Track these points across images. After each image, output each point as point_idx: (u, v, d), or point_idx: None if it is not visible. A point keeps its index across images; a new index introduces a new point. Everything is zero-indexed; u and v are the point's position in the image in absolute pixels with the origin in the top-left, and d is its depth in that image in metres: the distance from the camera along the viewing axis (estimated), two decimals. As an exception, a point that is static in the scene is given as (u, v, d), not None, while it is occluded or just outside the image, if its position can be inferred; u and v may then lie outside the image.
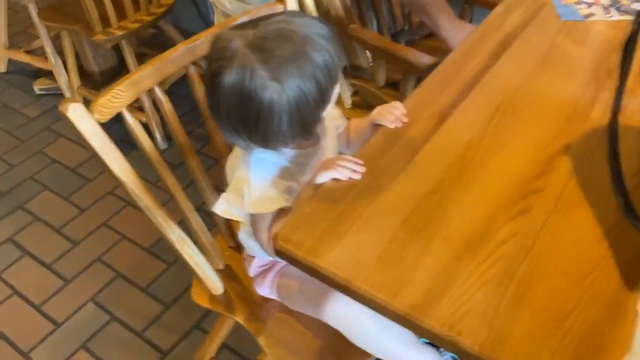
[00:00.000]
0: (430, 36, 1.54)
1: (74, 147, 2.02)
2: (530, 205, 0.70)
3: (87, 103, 0.78)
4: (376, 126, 0.85)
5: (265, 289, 0.98)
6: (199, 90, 0.95)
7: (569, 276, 0.63)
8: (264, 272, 0.98)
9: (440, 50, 1.34)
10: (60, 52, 2.10)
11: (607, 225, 0.67)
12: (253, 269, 0.99)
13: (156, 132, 1.97)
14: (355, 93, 1.47)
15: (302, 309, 0.95)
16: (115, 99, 0.81)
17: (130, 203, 0.86)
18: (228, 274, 1.06)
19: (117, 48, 1.96)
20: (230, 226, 1.08)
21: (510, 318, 0.59)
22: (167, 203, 0.92)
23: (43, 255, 1.66)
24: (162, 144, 1.99)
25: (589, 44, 1.00)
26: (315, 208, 0.72)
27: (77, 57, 2.09)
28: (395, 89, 1.38)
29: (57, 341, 1.44)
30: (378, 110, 0.86)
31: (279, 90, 0.69)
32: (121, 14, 1.83)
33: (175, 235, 0.91)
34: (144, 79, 0.86)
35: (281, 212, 0.79)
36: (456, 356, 0.99)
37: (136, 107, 2.01)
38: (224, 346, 1.36)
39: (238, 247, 1.07)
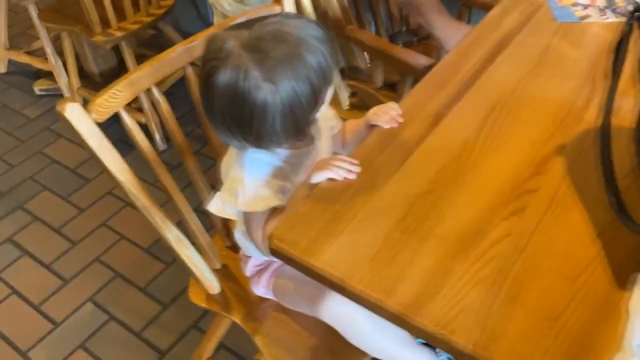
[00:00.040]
0: (428, 38, 1.55)
1: (74, 148, 2.03)
2: (524, 205, 0.71)
3: (87, 104, 0.79)
4: (372, 126, 0.85)
5: (261, 289, 0.99)
6: (197, 91, 0.96)
7: (562, 276, 0.63)
8: (259, 272, 0.98)
9: (436, 51, 1.35)
10: (60, 53, 2.11)
11: (600, 226, 0.68)
12: (249, 269, 0.99)
13: (155, 133, 1.97)
14: (353, 94, 1.48)
15: (298, 307, 0.96)
16: (113, 98, 0.82)
17: (129, 203, 0.86)
18: (225, 273, 1.07)
19: (117, 49, 1.97)
20: (227, 226, 1.09)
21: (503, 317, 0.60)
22: (166, 204, 0.92)
23: (42, 255, 1.67)
24: (162, 145, 1.99)
25: (584, 45, 1.00)
26: (310, 208, 0.72)
27: (77, 58, 2.10)
28: (393, 90, 1.39)
29: (55, 341, 1.45)
30: (374, 110, 0.86)
31: (272, 91, 0.70)
32: (121, 15, 1.84)
33: (173, 235, 0.92)
34: (142, 79, 0.86)
35: (275, 211, 0.79)
36: (452, 357, 0.99)
37: (135, 107, 2.01)
38: (221, 346, 1.36)
39: (235, 247, 1.07)
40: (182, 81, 0.97)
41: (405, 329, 0.62)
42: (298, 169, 0.83)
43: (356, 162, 0.76)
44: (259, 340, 0.97)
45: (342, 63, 1.46)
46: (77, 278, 1.60)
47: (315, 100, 0.74)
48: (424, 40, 1.58)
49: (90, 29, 1.83)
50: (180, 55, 0.92)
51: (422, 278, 0.63)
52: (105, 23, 1.82)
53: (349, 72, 1.47)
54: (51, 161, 2.00)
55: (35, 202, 1.84)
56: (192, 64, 0.94)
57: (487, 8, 1.15)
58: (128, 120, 0.86)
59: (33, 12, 2.06)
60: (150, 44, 2.31)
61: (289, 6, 1.03)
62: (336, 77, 1.41)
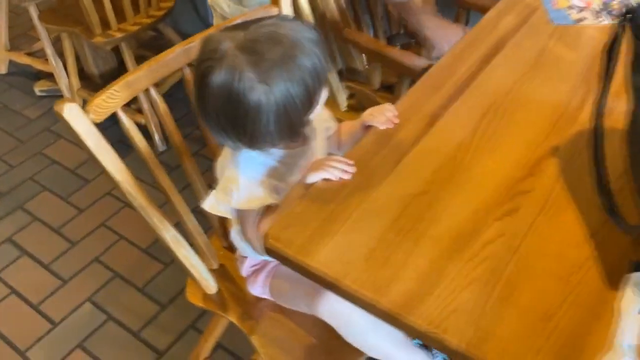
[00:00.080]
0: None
1: (74, 149, 2.04)
2: (517, 206, 0.71)
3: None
4: (367, 127, 0.86)
5: (257, 289, 0.99)
6: (194, 92, 0.96)
7: (555, 276, 0.64)
8: (256, 272, 0.99)
9: (428, 51, 1.36)
10: (60, 54, 2.12)
11: (593, 227, 0.68)
12: (245, 269, 1.00)
13: (155, 134, 1.98)
14: (351, 96, 1.48)
15: (296, 306, 0.96)
16: (111, 99, 0.82)
17: (128, 204, 0.87)
18: (222, 273, 1.07)
19: (117, 50, 1.98)
20: (224, 226, 1.09)
21: (496, 317, 0.60)
22: (164, 205, 0.93)
23: (41, 255, 1.67)
24: (161, 146, 2.00)
25: (580, 48, 1.01)
26: (305, 208, 0.73)
27: (78, 59, 2.11)
28: (391, 91, 1.39)
29: (54, 340, 1.45)
30: (370, 111, 0.87)
31: (266, 92, 0.70)
32: (121, 16, 1.85)
33: (170, 235, 0.92)
34: (140, 79, 0.87)
35: (268, 210, 0.80)
36: (447, 358, 0.99)
37: (135, 109, 2.02)
38: (219, 346, 1.37)
39: (232, 248, 1.08)
40: (181, 83, 0.97)
41: (399, 328, 0.63)
42: (293, 169, 0.83)
43: (351, 162, 0.77)
44: (255, 340, 0.97)
45: (340, 65, 1.47)
46: (76, 278, 1.60)
47: (309, 102, 0.75)
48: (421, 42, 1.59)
49: (90, 30, 1.84)
50: (179, 56, 0.92)
51: (416, 278, 0.64)
52: (105, 24, 1.83)
53: (347, 74, 1.47)
54: (51, 162, 2.01)
55: (35, 203, 1.85)
56: (191, 65, 0.95)
57: (484, 10, 1.15)
58: (126, 120, 0.86)
59: (34, 14, 2.07)
60: (150, 46, 2.31)
61: (286, 8, 1.04)
62: (334, 79, 1.41)
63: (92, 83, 2.16)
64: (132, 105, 2.05)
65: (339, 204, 0.73)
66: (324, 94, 0.78)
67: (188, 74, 0.95)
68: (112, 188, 1.84)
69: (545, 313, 0.60)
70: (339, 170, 0.75)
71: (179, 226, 0.96)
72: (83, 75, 2.14)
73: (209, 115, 0.75)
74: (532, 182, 0.74)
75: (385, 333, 0.87)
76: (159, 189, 0.93)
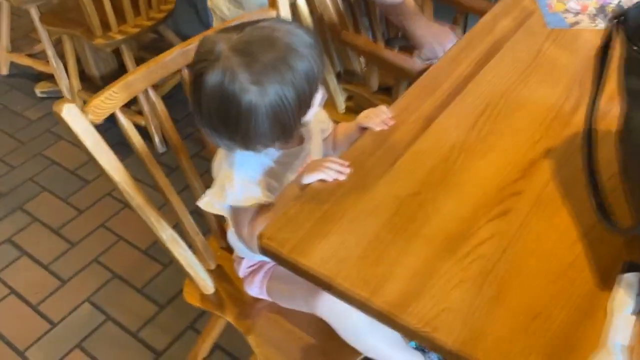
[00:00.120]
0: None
1: (74, 150, 2.05)
2: (509, 207, 0.72)
3: (86, 105, 0.80)
4: (363, 129, 0.87)
5: (254, 289, 1.00)
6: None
7: (545, 276, 0.64)
8: (253, 273, 0.99)
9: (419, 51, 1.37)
10: (61, 56, 2.13)
11: (584, 227, 0.69)
12: (242, 270, 1.01)
13: (155, 135, 1.99)
14: (349, 98, 1.49)
15: (294, 306, 0.97)
16: (109, 100, 0.83)
17: (127, 205, 0.87)
18: (219, 274, 1.08)
19: (117, 52, 1.99)
20: (222, 227, 1.10)
21: (486, 316, 0.61)
22: (163, 206, 0.94)
23: (41, 256, 1.68)
24: (161, 148, 2.01)
25: (575, 51, 1.02)
26: (300, 208, 0.73)
27: (78, 61, 2.12)
28: (388, 94, 1.40)
29: (52, 341, 1.46)
30: (365, 113, 0.88)
31: (258, 94, 0.71)
32: (121, 18, 1.86)
33: (167, 235, 0.93)
34: (138, 81, 0.88)
35: (263, 208, 0.80)
36: (442, 359, 1.00)
37: (136, 110, 2.03)
38: (217, 347, 1.37)
39: (230, 248, 1.08)
40: (182, 85, 0.98)
41: (391, 327, 0.63)
42: (288, 169, 0.84)
43: (347, 163, 0.78)
44: (251, 340, 0.98)
45: (338, 67, 1.48)
46: (75, 278, 1.61)
47: (302, 105, 0.75)
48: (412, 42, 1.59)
49: (91, 32, 1.85)
50: (177, 58, 0.93)
51: (408, 277, 0.65)
52: (106, 26, 1.84)
53: (345, 76, 1.48)
54: (51, 163, 2.02)
55: (34, 203, 1.86)
56: (189, 66, 0.96)
57: (482, 14, 1.16)
58: (124, 121, 0.87)
59: (35, 16, 2.08)
60: (151, 48, 2.33)
61: (284, 11, 1.05)
62: (332, 81, 1.42)
63: (93, 85, 2.17)
64: (132, 107, 2.06)
65: (333, 204, 0.74)
66: (318, 97, 0.79)
67: (186, 75, 0.96)
68: (112, 189, 1.83)
69: (534, 311, 0.61)
70: (334, 172, 0.76)
71: (178, 227, 0.97)
72: (84, 77, 2.15)
73: (203, 116, 0.75)
74: (525, 184, 0.75)
75: (382, 334, 0.87)
76: (157, 190, 0.94)
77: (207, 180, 1.01)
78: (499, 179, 0.76)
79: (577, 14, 1.09)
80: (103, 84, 2.17)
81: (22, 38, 2.62)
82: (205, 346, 1.24)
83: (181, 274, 1.00)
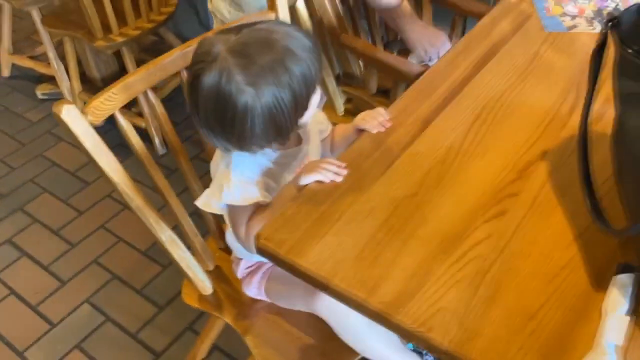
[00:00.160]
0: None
1: (74, 151, 2.05)
2: (505, 208, 0.73)
3: (86, 107, 0.81)
4: (360, 131, 0.87)
5: (253, 290, 1.00)
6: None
7: (539, 276, 0.65)
8: (251, 274, 1.00)
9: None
10: (62, 58, 2.14)
11: (579, 229, 0.70)
12: (240, 271, 1.01)
13: (155, 137, 1.99)
14: (348, 100, 1.50)
15: (293, 306, 0.97)
16: (108, 101, 0.84)
17: (127, 206, 0.88)
18: (218, 275, 1.08)
19: (118, 55, 2.00)
20: (220, 227, 1.11)
21: (481, 316, 0.61)
22: (163, 208, 0.94)
23: (41, 257, 1.69)
24: (161, 150, 2.01)
25: (572, 54, 1.02)
26: (297, 208, 0.74)
27: (79, 63, 2.13)
28: (387, 96, 1.41)
29: (52, 341, 1.46)
30: (362, 115, 0.88)
31: (254, 96, 0.72)
32: (122, 21, 1.87)
33: (166, 236, 0.93)
34: (138, 82, 0.88)
35: (259, 208, 0.81)
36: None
37: (136, 112, 2.04)
38: (215, 348, 1.37)
39: (228, 249, 1.09)
40: (182, 87, 0.99)
41: (387, 327, 0.64)
42: (285, 170, 0.85)
43: (344, 164, 0.78)
44: (249, 341, 0.98)
45: (337, 70, 1.49)
46: (75, 279, 1.61)
47: (297, 107, 0.76)
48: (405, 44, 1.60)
49: (92, 35, 1.86)
50: (176, 60, 0.93)
51: (404, 277, 0.65)
52: (106, 29, 1.85)
53: (344, 79, 1.49)
54: (51, 164, 2.02)
55: (35, 204, 1.86)
56: (187, 68, 0.96)
57: (480, 17, 1.17)
58: (123, 122, 0.88)
59: (36, 18, 2.09)
60: (152, 50, 2.34)
61: (283, 14, 1.05)
62: (331, 84, 1.43)
63: (94, 87, 2.18)
64: (132, 109, 2.07)
65: (330, 205, 0.74)
66: (315, 99, 0.79)
67: (185, 77, 0.97)
68: (112, 191, 1.83)
69: (529, 312, 0.61)
70: (331, 173, 0.76)
71: (177, 228, 0.97)
72: (85, 78, 2.16)
73: (201, 117, 0.76)
74: (520, 185, 0.76)
75: (380, 334, 0.88)
76: (157, 191, 0.95)
77: (207, 182, 1.01)
78: (496, 181, 0.76)
79: (574, 17, 1.10)
80: (104, 86, 2.16)
81: (23, 40, 2.63)
82: (203, 347, 1.24)
83: (181, 276, 1.00)
